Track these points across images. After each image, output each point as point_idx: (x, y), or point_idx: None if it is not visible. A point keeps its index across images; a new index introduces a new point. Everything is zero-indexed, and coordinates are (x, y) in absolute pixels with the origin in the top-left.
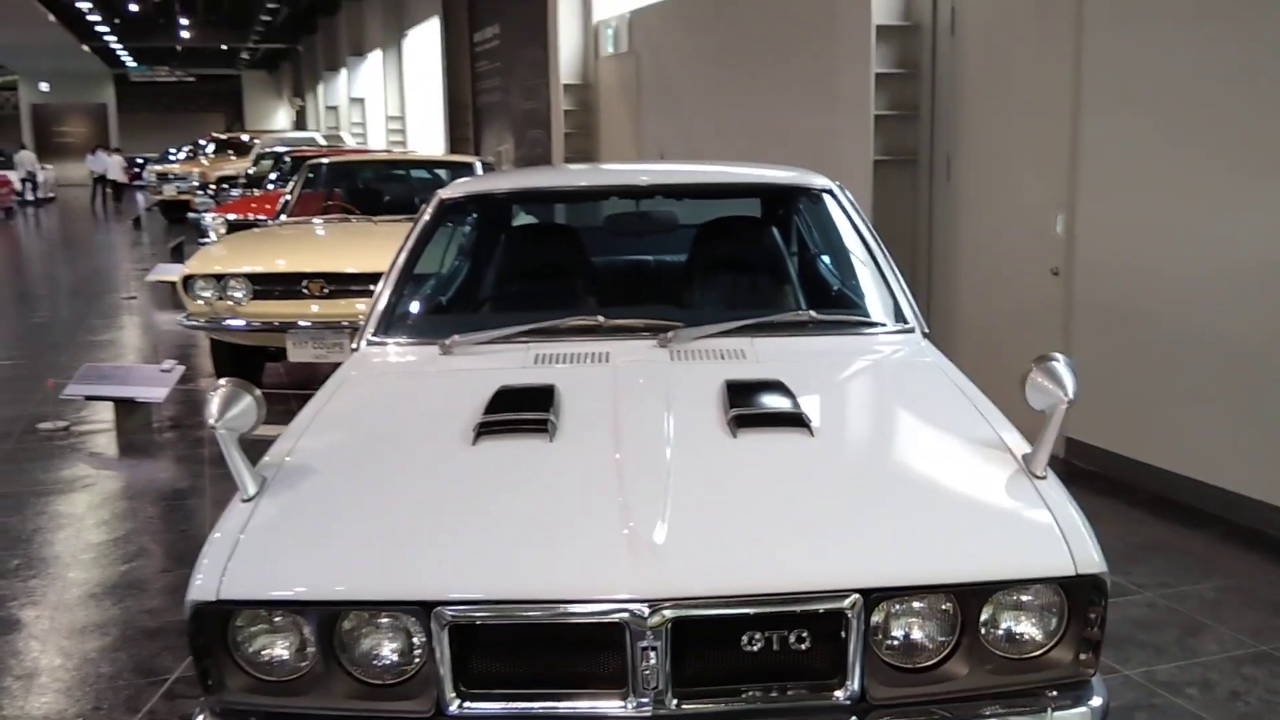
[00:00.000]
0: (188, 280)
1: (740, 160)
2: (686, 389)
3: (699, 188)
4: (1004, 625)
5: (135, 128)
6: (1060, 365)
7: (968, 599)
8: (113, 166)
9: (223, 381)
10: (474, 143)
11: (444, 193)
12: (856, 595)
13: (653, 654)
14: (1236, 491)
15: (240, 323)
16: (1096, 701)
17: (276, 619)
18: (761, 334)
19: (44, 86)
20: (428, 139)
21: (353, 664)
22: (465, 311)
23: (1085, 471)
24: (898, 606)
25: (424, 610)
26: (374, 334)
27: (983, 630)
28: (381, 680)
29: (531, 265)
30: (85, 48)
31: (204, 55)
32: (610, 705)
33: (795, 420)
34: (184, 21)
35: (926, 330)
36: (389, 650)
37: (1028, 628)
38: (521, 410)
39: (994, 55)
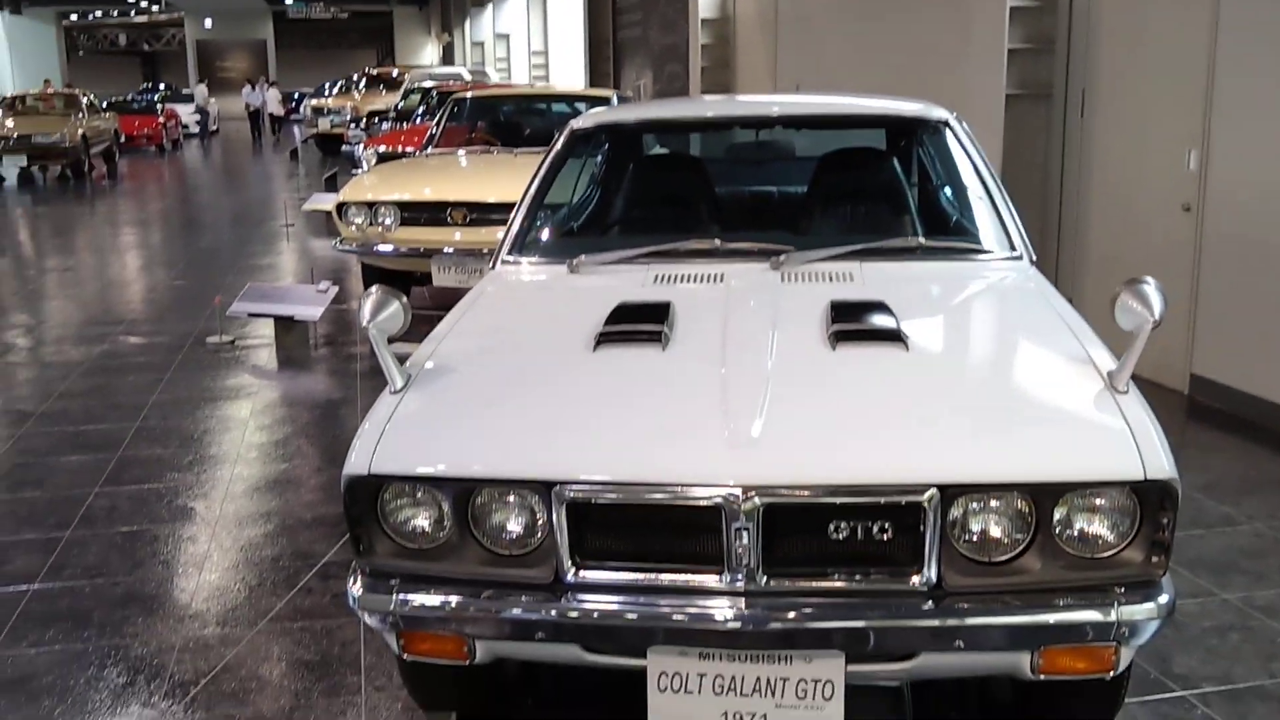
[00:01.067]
0: (341, 207)
1: (874, 92)
2: (793, 308)
3: (818, 119)
4: (1077, 525)
5: (292, 63)
6: (1149, 287)
7: (1042, 498)
8: (270, 100)
9: (374, 288)
10: (613, 77)
11: (575, 123)
12: (934, 490)
13: (745, 535)
14: None
15: (389, 248)
16: (1164, 599)
17: (419, 494)
18: (871, 259)
19: (208, 24)
20: (569, 74)
21: (483, 535)
22: (593, 234)
23: (1209, 408)
24: (975, 503)
25: (545, 489)
26: (508, 253)
27: (1057, 529)
28: (509, 551)
29: (656, 192)
30: None
31: None
32: (707, 579)
33: (892, 335)
34: None
35: (1034, 259)
36: (515, 524)
37: (1100, 528)
38: (638, 322)
39: None
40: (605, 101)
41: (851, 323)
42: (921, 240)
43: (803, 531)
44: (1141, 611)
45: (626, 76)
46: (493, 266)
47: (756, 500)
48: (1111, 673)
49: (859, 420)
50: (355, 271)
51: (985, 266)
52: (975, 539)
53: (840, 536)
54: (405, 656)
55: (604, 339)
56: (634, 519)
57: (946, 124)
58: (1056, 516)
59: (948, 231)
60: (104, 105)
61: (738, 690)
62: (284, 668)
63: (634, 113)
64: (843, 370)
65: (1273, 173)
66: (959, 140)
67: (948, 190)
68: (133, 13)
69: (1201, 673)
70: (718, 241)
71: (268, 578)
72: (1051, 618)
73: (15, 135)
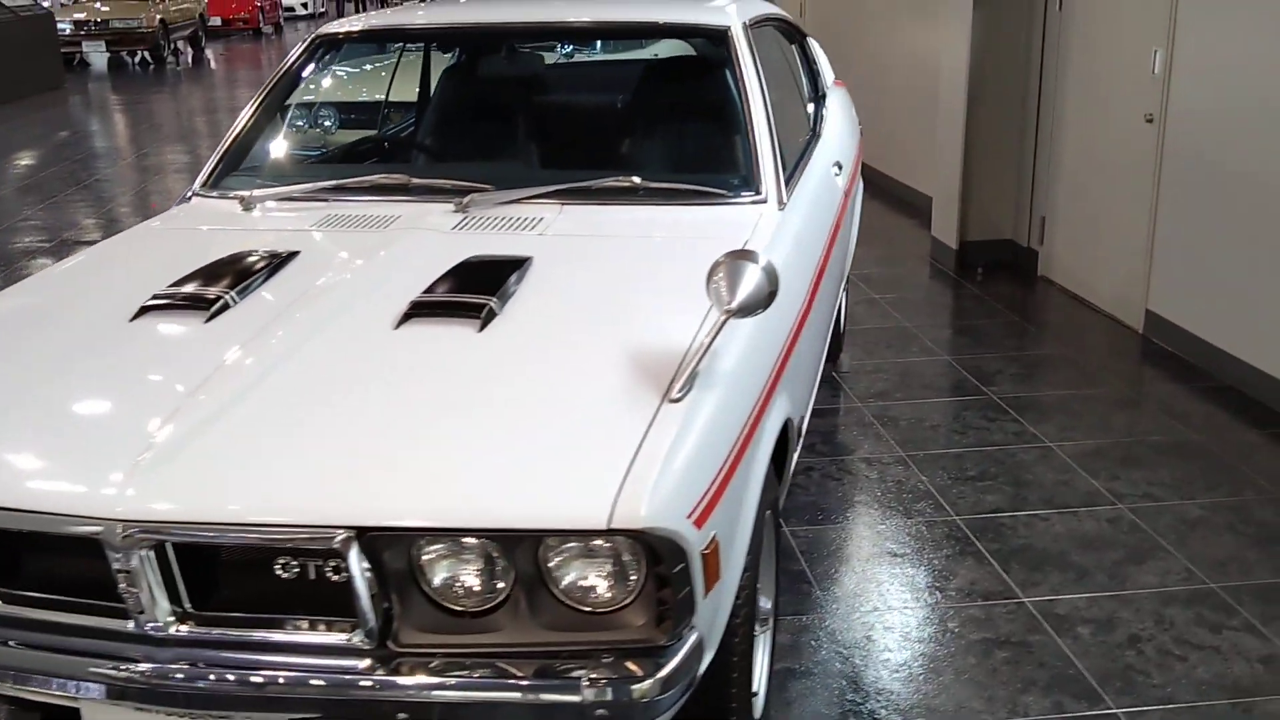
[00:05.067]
0: None
1: None
2: (419, 267)
3: (571, 29)
4: (564, 577)
5: None
6: (746, 266)
7: (513, 544)
8: None
9: None
10: None
11: (324, 29)
12: (346, 532)
13: (137, 576)
14: None
15: None
16: (664, 672)
17: None
18: (582, 200)
19: None
20: None
21: None
22: (305, 162)
23: (1160, 352)
24: (435, 548)
25: None
26: (200, 185)
27: (542, 581)
28: None
29: (392, 114)
30: None
31: None
32: (112, 622)
33: (473, 310)
34: None
35: (784, 201)
36: None
37: (593, 582)
38: (213, 283)
39: None
40: None
41: (441, 293)
42: (636, 180)
43: (239, 570)
44: (618, 691)
45: None
46: (186, 198)
47: (135, 536)
48: None
49: (304, 443)
50: None
51: (707, 212)
52: (438, 588)
53: (285, 576)
54: None
55: (150, 306)
56: (37, 549)
57: (725, 35)
58: (535, 566)
59: (687, 168)
60: None
61: None
62: None
63: (381, 21)
64: (376, 364)
65: (1236, 83)
66: (734, 56)
67: (705, 117)
68: None
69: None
70: (409, 178)
71: None
72: (495, 694)
73: (96, 20)
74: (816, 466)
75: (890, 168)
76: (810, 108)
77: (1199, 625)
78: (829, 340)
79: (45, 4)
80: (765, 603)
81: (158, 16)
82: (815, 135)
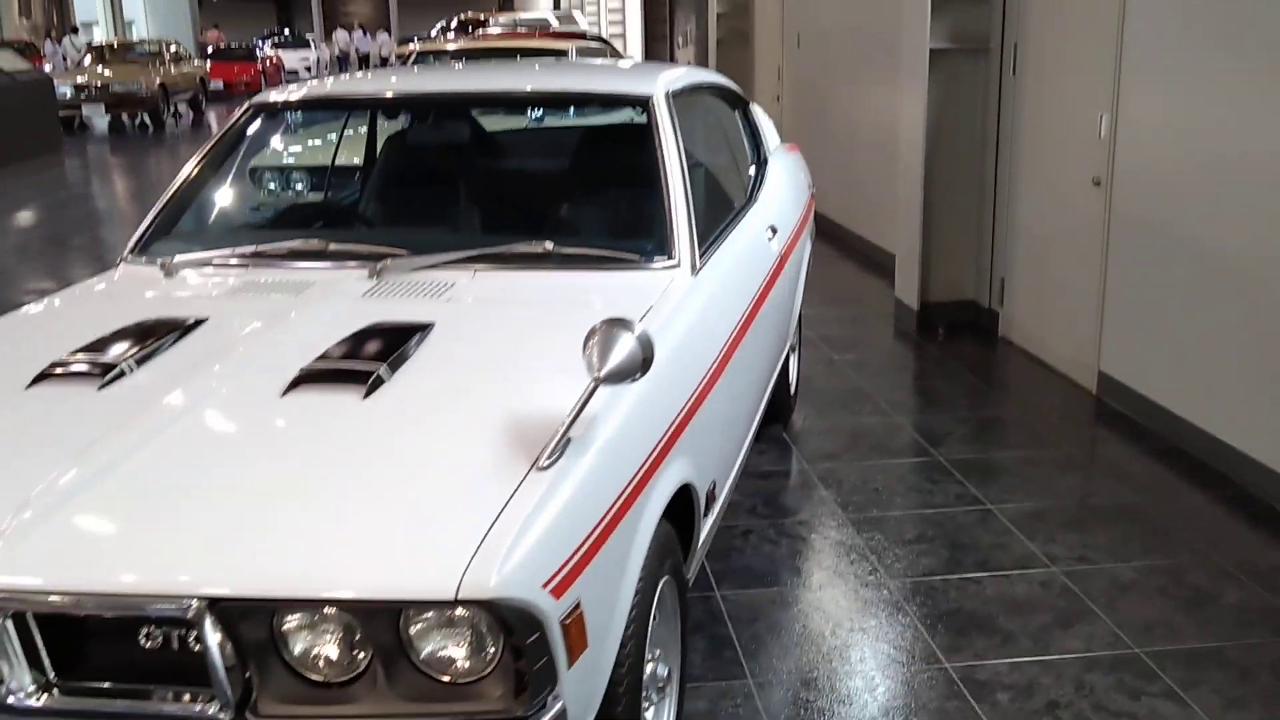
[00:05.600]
0: None
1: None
2: (320, 334)
3: (499, 98)
4: (424, 647)
5: (415, 8)
6: (617, 334)
7: (370, 615)
8: (385, 44)
9: None
10: (669, 24)
11: (257, 98)
12: (199, 602)
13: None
14: (1246, 453)
15: None
16: None
17: None
18: (495, 266)
19: None
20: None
21: None
22: (231, 228)
23: (1114, 414)
24: (294, 617)
25: None
26: (129, 251)
27: (403, 650)
28: None
29: (321, 180)
30: None
31: None
32: None
33: (360, 378)
34: None
35: (698, 266)
36: None
37: (453, 652)
38: (113, 351)
39: None
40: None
41: (331, 361)
42: (548, 246)
43: (105, 639)
44: None
45: (679, 22)
46: (117, 264)
47: None
48: None
49: (167, 508)
50: None
51: (617, 278)
52: (298, 658)
53: (150, 646)
54: None
55: (46, 373)
56: None
57: (647, 104)
58: (396, 636)
59: (603, 234)
60: (208, 51)
61: None
62: None
63: (315, 90)
64: (247, 430)
65: (1179, 147)
66: (654, 124)
67: (624, 184)
68: None
69: None
70: (330, 243)
71: None
72: None
73: (97, 84)
74: (755, 529)
75: (860, 227)
76: (750, 171)
77: (1119, 691)
78: (764, 403)
79: (47, 68)
80: (663, 669)
81: (158, 80)
82: (750, 199)
